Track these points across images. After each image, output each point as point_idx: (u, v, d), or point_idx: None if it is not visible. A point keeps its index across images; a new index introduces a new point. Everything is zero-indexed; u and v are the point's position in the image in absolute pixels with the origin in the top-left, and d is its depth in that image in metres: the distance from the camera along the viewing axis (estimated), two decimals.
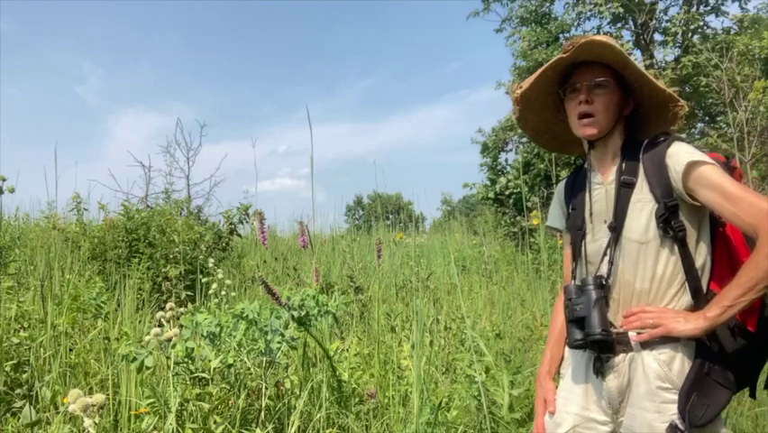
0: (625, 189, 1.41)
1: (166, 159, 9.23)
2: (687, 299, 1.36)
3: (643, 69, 1.41)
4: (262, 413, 2.42)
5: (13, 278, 4.08)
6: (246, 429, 2.31)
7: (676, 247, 1.35)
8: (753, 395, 1.43)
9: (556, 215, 1.66)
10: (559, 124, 1.60)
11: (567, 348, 1.55)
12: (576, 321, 1.40)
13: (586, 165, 1.56)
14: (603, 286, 1.41)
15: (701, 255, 1.37)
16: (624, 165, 1.44)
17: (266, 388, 2.47)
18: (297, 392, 2.54)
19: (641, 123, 1.52)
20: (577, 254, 1.53)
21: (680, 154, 1.34)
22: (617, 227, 1.41)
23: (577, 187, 1.57)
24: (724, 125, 8.71)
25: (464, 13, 11.33)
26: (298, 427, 2.26)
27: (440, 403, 2.38)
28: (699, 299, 1.35)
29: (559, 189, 1.67)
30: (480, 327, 3.74)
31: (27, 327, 3.13)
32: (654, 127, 1.49)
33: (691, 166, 1.32)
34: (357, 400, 2.70)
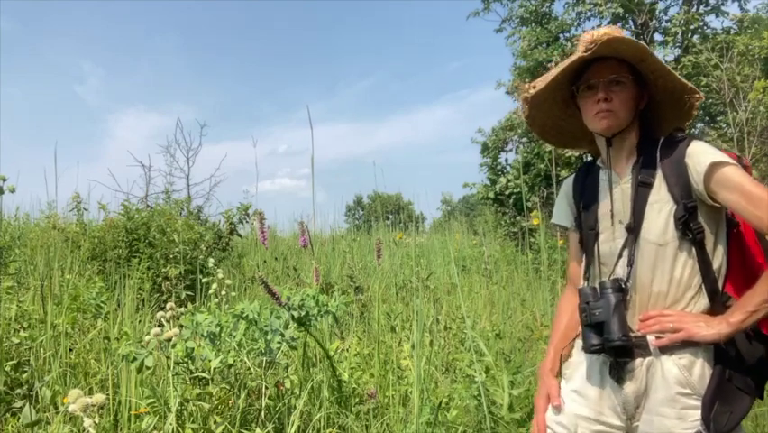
0: (642, 189, 1.37)
1: (166, 159, 9.23)
2: (704, 301, 1.33)
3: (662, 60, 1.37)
4: (262, 413, 2.42)
5: (13, 278, 4.08)
6: (246, 429, 2.31)
7: (694, 249, 1.32)
8: (760, 395, 1.39)
9: (563, 212, 1.61)
10: (567, 120, 1.56)
11: (576, 350, 1.51)
12: (594, 326, 1.36)
13: (598, 162, 1.52)
14: (622, 290, 1.36)
15: (718, 257, 1.34)
16: (641, 164, 1.40)
17: (266, 388, 2.47)
18: (297, 392, 2.54)
19: (654, 118, 1.48)
20: (589, 255, 1.48)
21: (701, 154, 1.31)
22: (634, 228, 1.37)
23: (587, 185, 1.52)
24: (724, 125, 8.71)
25: (464, 13, 11.34)
26: (298, 427, 2.26)
27: (440, 403, 2.38)
28: (716, 302, 1.32)
29: (566, 187, 1.61)
30: (480, 327, 3.73)
31: (27, 327, 3.13)
32: (669, 122, 1.46)
33: (714, 167, 1.28)
34: (357, 400, 2.70)
